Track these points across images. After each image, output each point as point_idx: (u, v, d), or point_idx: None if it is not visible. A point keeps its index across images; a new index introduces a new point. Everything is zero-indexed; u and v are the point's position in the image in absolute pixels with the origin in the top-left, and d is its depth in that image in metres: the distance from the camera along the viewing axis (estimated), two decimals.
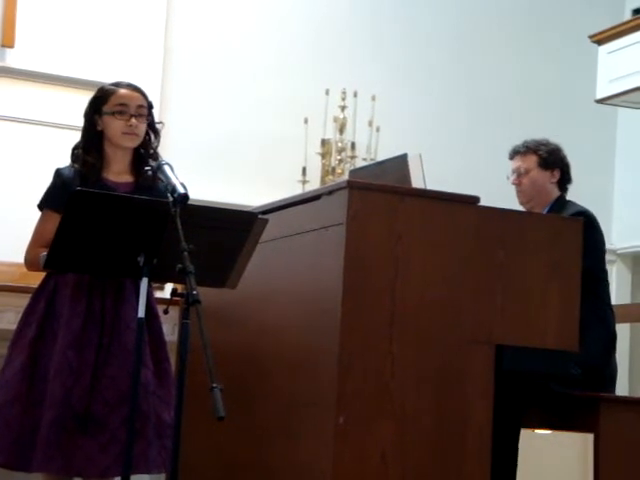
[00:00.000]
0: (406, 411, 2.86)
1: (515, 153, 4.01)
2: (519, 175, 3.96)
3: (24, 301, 3.22)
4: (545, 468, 5.01)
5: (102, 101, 3.19)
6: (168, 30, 5.75)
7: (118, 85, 3.22)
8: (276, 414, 3.13)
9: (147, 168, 3.09)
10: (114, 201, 2.80)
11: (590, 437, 3.65)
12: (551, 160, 3.95)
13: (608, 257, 4.10)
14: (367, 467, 2.81)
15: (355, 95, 5.92)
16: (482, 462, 2.94)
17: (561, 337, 3.08)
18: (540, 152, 3.95)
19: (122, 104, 3.16)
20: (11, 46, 5.31)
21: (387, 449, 2.82)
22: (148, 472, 3.05)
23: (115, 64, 5.34)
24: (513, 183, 3.99)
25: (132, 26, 5.59)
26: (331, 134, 5.94)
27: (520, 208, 3.93)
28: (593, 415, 3.57)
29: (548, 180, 3.95)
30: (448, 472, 2.90)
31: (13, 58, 5.35)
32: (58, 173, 3.20)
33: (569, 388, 3.67)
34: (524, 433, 3.72)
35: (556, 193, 3.97)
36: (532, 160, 3.95)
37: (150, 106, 3.25)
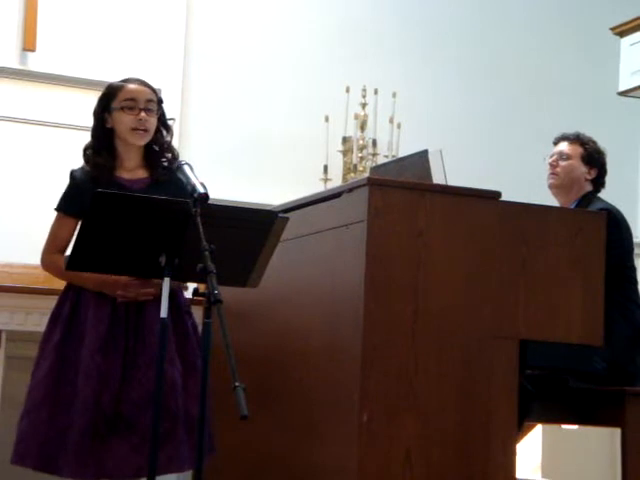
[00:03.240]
0: (430, 408, 2.86)
1: (563, 139, 4.06)
2: (559, 158, 3.99)
3: (48, 303, 3.24)
4: (573, 463, 4.98)
5: (111, 98, 3.18)
6: (188, 31, 5.74)
7: (126, 81, 3.21)
8: (299, 412, 3.13)
9: (163, 160, 3.10)
10: (135, 202, 2.80)
11: (617, 431, 3.63)
12: (594, 158, 4.00)
13: (636, 251, 4.06)
14: (392, 464, 2.80)
15: (376, 92, 5.90)
16: (508, 458, 2.93)
17: (585, 332, 3.06)
18: (587, 147, 4.00)
19: (131, 99, 3.15)
20: (32, 50, 5.33)
21: (411, 446, 2.82)
22: (181, 471, 3.05)
23: (136, 66, 5.33)
24: (550, 163, 4.02)
25: (152, 28, 5.59)
26: (352, 132, 5.93)
27: (543, 199, 3.92)
28: (619, 409, 3.56)
29: (584, 175, 3.98)
30: (473, 468, 2.89)
31: (34, 62, 5.37)
32: (72, 176, 3.20)
33: (594, 383, 3.65)
34: (551, 428, 3.71)
35: (587, 190, 3.98)
36: (577, 150, 4.00)
37: (160, 101, 3.23)
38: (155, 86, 3.29)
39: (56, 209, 3.21)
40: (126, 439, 2.98)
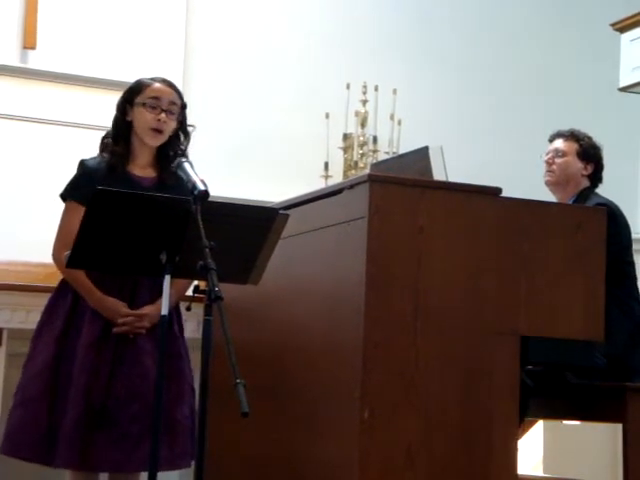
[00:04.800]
0: (431, 404, 2.85)
1: (558, 136, 4.08)
2: (555, 155, 4.00)
3: None
4: (574, 459, 4.98)
5: (136, 92, 3.21)
6: (188, 28, 5.75)
7: (154, 79, 3.25)
8: (300, 409, 3.13)
9: (173, 165, 3.11)
10: (136, 199, 2.80)
11: (619, 427, 3.64)
12: (590, 154, 4.01)
13: (635, 247, 4.07)
14: (393, 460, 2.80)
15: (376, 89, 5.90)
16: (509, 454, 2.93)
17: (586, 327, 3.06)
18: (582, 142, 4.02)
19: (155, 97, 3.18)
20: (33, 47, 5.34)
21: (413, 442, 2.82)
22: (159, 469, 3.05)
23: (136, 63, 5.35)
24: (546, 161, 4.03)
25: (152, 25, 5.60)
26: (353, 128, 5.93)
27: (542, 195, 3.93)
28: (620, 405, 3.56)
29: (580, 171, 3.99)
30: (475, 465, 2.89)
31: (35, 59, 5.38)
32: (83, 164, 3.21)
33: (595, 379, 3.66)
34: (552, 424, 3.71)
35: (584, 185, 3.99)
36: (572, 147, 4.01)
37: (183, 106, 3.26)
38: None
39: (65, 197, 3.20)
40: (108, 434, 3.01)
